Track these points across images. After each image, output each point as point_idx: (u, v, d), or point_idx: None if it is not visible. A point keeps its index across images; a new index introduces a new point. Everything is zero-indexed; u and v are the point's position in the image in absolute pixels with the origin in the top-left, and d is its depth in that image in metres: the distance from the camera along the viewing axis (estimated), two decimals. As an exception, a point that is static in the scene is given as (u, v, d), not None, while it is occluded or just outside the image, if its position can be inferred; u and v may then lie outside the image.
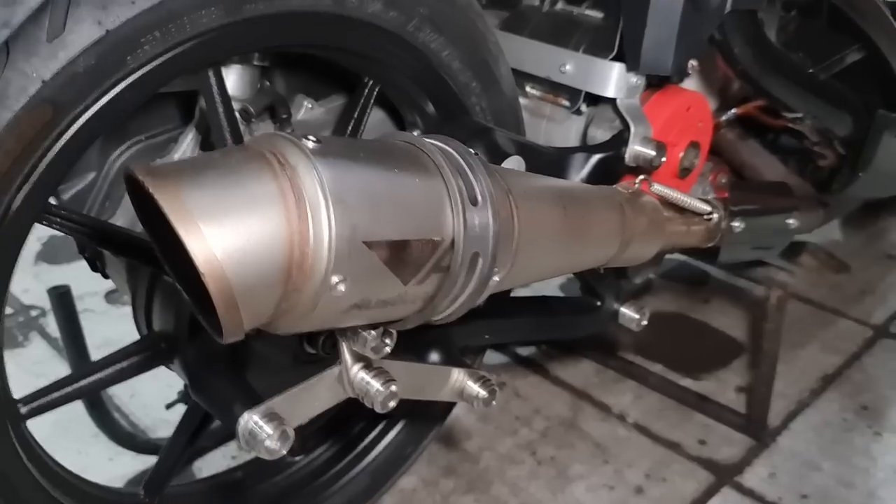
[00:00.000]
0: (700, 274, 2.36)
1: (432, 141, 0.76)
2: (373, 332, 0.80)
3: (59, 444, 1.11)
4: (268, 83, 1.17)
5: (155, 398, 1.60)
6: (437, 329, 1.12)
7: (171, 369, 1.00)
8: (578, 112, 1.26)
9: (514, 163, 1.03)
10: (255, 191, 0.61)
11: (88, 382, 0.93)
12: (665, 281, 2.29)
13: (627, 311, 1.31)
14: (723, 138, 1.63)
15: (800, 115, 1.21)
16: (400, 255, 0.67)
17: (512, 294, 1.23)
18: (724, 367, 1.94)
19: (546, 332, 1.25)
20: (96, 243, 0.89)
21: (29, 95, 0.71)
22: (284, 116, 1.10)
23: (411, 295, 0.70)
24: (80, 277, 1.92)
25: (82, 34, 0.73)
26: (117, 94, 0.78)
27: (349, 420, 1.28)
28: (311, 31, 0.91)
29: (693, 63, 1.29)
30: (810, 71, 1.18)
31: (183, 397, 1.27)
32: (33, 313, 2.10)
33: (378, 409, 0.86)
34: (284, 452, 0.80)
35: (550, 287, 2.10)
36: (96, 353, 1.89)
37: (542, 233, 0.84)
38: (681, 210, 1.10)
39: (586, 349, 1.95)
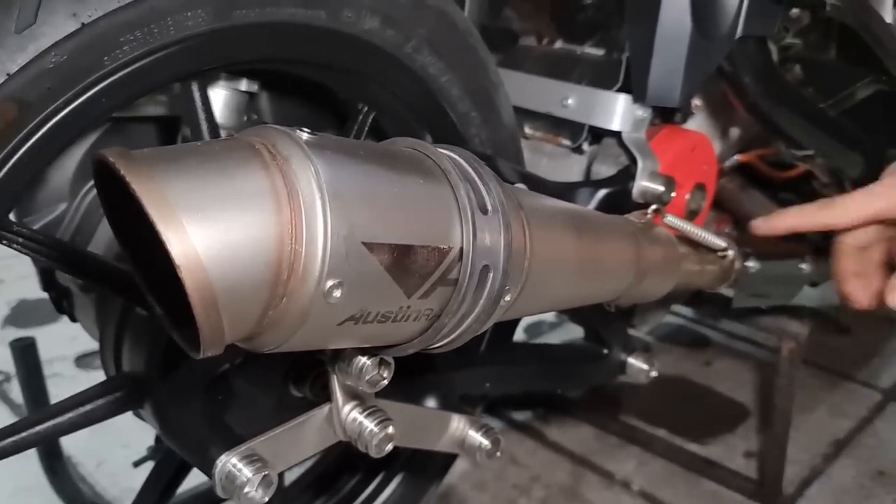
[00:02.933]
0: (700, 337, 2.28)
1: (438, 147, 0.69)
2: (368, 361, 0.71)
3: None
4: (255, 115, 1.11)
5: (124, 466, 1.48)
6: (436, 374, 1.04)
7: (140, 417, 0.89)
8: (580, 150, 1.21)
9: (519, 191, 0.96)
10: (243, 182, 0.53)
11: (44, 428, 0.82)
12: (665, 344, 2.21)
13: (636, 362, 1.23)
14: (725, 188, 1.59)
15: (810, 152, 1.17)
16: (403, 263, 0.59)
17: (514, 340, 1.15)
18: (730, 432, 1.84)
19: (550, 380, 1.16)
20: (63, 268, 0.81)
21: (-9, 89, 0.64)
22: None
23: (415, 310, 0.62)
24: (50, 342, 1.81)
25: (55, 26, 0.67)
26: (92, 98, 0.71)
27: (337, 479, 1.17)
28: (304, 45, 0.85)
29: (697, 102, 1.26)
30: (820, 106, 1.14)
31: (152, 454, 1.16)
32: (-3, 378, 1.98)
33: (372, 454, 0.76)
34: (266, 500, 0.70)
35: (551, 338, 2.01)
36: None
37: (555, 253, 0.77)
38: (695, 246, 1.04)
39: (585, 413, 1.85)
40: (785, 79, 1.12)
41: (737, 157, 1.46)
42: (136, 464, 1.17)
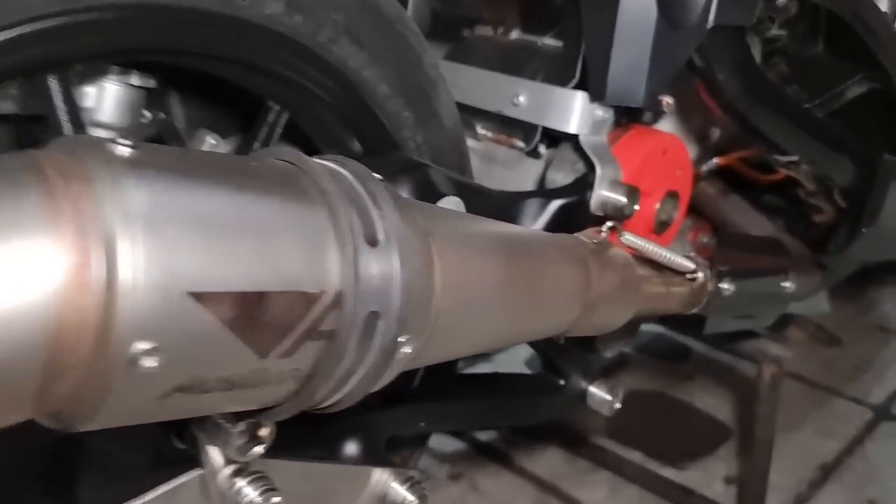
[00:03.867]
0: (681, 348, 2.15)
1: (321, 160, 0.56)
2: (238, 425, 0.58)
3: None
4: (162, 114, 0.97)
5: None
6: (353, 416, 0.90)
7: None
8: (536, 154, 1.07)
9: (452, 204, 0.83)
10: (11, 212, 0.39)
11: None
12: (642, 356, 2.07)
13: (598, 392, 1.10)
14: (702, 193, 1.45)
15: (794, 158, 1.04)
16: (252, 315, 0.46)
17: (456, 369, 1.01)
18: (710, 455, 1.71)
19: (499, 417, 1.03)
20: None
21: None
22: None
23: (275, 372, 0.49)
24: None
25: None
26: None
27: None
28: (186, 33, 0.72)
29: (668, 100, 1.12)
30: (806, 106, 1.01)
31: None
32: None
33: (254, 531, 0.63)
34: None
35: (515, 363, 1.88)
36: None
37: (478, 288, 0.63)
38: (658, 267, 0.90)
39: (553, 435, 1.71)
40: (765, 75, 0.98)
41: (716, 161, 1.32)
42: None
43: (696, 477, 1.62)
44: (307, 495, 0.71)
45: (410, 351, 0.56)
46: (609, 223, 0.83)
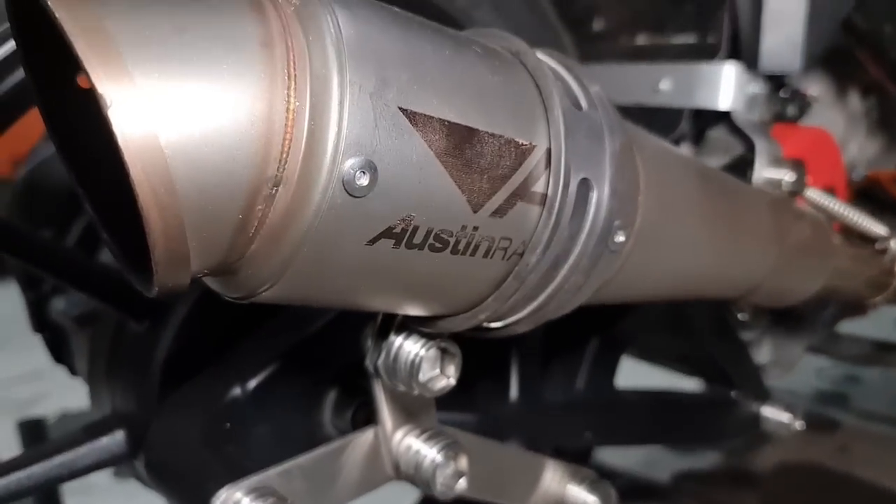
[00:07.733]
0: (828, 421, 1.94)
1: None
2: (422, 350, 0.50)
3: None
4: None
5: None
6: (522, 413, 0.80)
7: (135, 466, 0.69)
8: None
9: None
10: (218, 12, 0.35)
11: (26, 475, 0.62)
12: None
13: (773, 412, 0.97)
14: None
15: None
16: (464, 151, 0.39)
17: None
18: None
19: (666, 432, 0.90)
20: (38, 266, 0.63)
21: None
22: None
23: (485, 235, 0.41)
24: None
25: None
26: None
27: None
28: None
29: (813, 94, 1.05)
30: None
31: None
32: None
33: (437, 493, 0.53)
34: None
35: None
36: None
37: (675, 198, 0.55)
38: (844, 234, 0.80)
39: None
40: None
41: (862, 172, 1.23)
42: None
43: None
44: (481, 476, 0.61)
45: (623, 240, 0.48)
46: (789, 177, 0.75)
